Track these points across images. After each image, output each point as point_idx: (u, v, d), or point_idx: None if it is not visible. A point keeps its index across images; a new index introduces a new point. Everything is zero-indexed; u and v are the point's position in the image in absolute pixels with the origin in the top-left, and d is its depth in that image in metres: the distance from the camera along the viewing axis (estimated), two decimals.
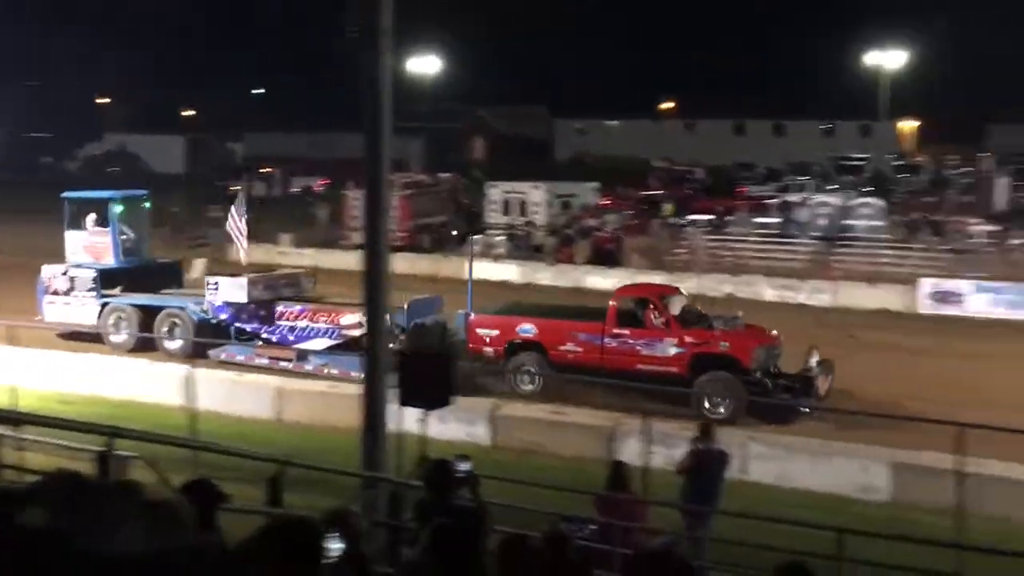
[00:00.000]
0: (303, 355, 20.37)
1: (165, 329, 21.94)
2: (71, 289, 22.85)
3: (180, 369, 16.46)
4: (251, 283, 21.74)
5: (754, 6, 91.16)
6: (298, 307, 21.47)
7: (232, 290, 21.63)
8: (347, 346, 19.71)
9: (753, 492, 12.98)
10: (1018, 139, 61.34)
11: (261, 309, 21.70)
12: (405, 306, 19.68)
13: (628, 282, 23.36)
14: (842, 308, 27.74)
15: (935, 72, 67.85)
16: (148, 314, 22.32)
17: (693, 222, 37.39)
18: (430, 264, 33.05)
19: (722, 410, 17.25)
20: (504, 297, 24.25)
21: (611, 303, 19.11)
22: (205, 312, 21.80)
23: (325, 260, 33.51)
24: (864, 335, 23.64)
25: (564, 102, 78.10)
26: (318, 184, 58.53)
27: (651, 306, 18.78)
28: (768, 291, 29.34)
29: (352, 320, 19.97)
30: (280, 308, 21.52)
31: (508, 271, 33.68)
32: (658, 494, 11.01)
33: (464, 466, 7.48)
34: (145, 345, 21.66)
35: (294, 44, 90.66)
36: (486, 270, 34.12)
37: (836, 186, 45.23)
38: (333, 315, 20.95)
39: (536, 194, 38.98)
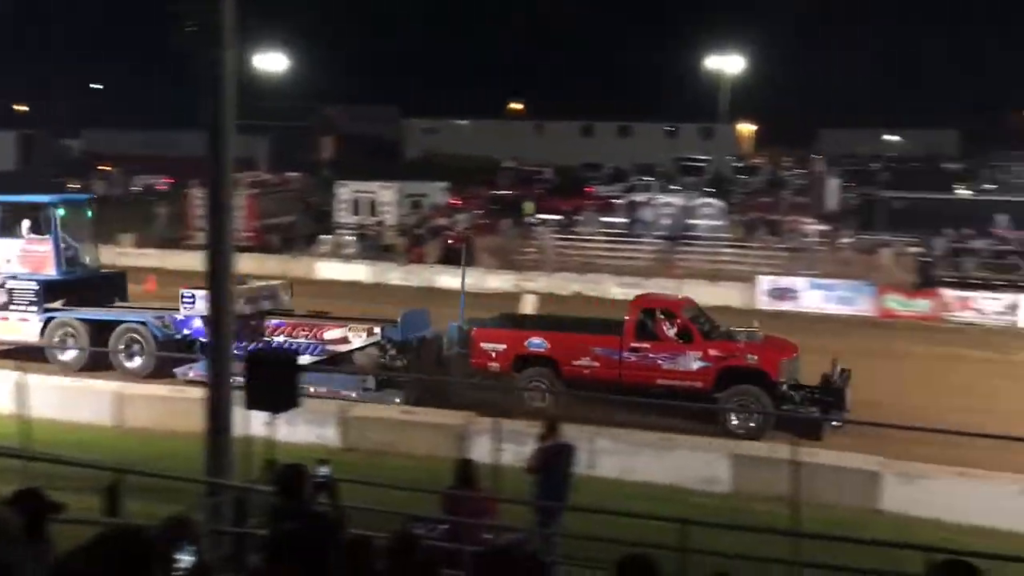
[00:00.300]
0: None
1: (122, 346, 20.28)
2: (8, 303, 21.00)
3: (10, 375, 15.69)
4: (236, 296, 20.52)
5: (601, 10, 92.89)
6: (275, 321, 19.88)
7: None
8: (332, 362, 18.83)
9: (600, 487, 13.19)
10: (847, 142, 64.27)
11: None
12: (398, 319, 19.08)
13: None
14: None
15: (771, 77, 70.37)
16: (101, 330, 20.58)
17: (542, 221, 37.83)
18: (278, 265, 32.51)
19: (752, 424, 16.81)
20: (355, 297, 24.04)
21: (628, 315, 18.10)
22: (167, 327, 20.20)
23: (168, 261, 32.60)
24: None
25: (413, 102, 77.92)
26: (161, 183, 56.82)
27: (672, 318, 18.00)
28: (615, 289, 29.92)
29: (337, 335, 19.18)
30: (254, 323, 19.74)
31: (358, 271, 33.45)
32: (509, 491, 11.10)
33: (323, 470, 7.39)
34: (97, 363, 20.24)
35: (133, 39, 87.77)
36: (336, 270, 33.85)
37: (679, 187, 46.41)
38: (315, 329, 19.59)
39: (386, 194, 38.77)
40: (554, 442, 10.98)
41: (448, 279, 31.06)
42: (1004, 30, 75.07)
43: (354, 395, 17.74)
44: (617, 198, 41.49)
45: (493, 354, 18.45)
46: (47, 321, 20.83)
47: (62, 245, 21.51)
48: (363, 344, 19.12)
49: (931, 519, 12.86)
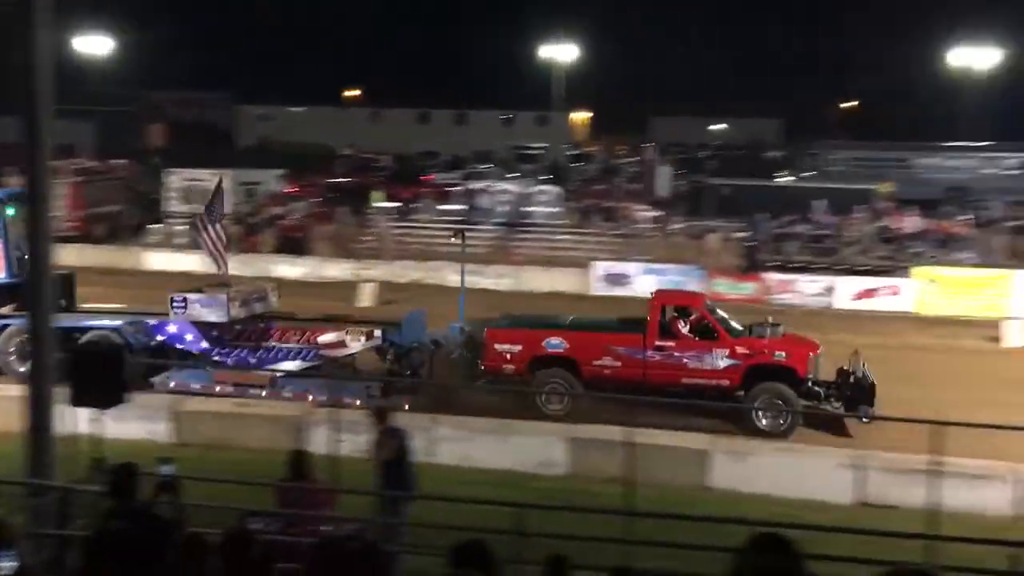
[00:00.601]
0: (277, 379, 17.47)
1: None
2: None
3: None
4: (231, 300, 18.59)
5: None
6: (263, 324, 18.90)
7: (207, 309, 18.40)
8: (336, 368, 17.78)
9: (440, 473, 13.25)
10: (677, 131, 66.16)
11: (213, 329, 18.61)
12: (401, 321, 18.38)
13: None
14: (525, 292, 28.89)
15: (604, 66, 71.69)
16: (64, 338, 19.06)
17: (380, 210, 37.56)
18: (103, 255, 31.30)
19: (782, 422, 16.54)
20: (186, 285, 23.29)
21: (649, 312, 17.58)
22: (141, 334, 18.52)
23: None
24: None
25: (246, 88, 76.14)
26: None
27: (695, 315, 17.61)
28: (455, 276, 29.96)
29: (333, 338, 18.16)
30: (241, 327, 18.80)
31: (189, 261, 32.44)
32: (349, 482, 11.02)
33: (166, 469, 7.18)
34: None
35: None
36: (166, 260, 32.80)
37: (516, 174, 46.85)
38: (308, 333, 18.60)
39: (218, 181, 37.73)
40: (390, 430, 10.96)
41: (285, 268, 30.57)
42: (824, 23, 78.54)
43: (358, 403, 16.32)
44: (455, 186, 41.57)
45: (508, 356, 17.65)
46: (1, 329, 18.85)
47: (13, 245, 19.51)
48: (362, 348, 18.19)
49: (758, 494, 13.42)
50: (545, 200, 37.10)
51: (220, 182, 21.71)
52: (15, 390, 12.09)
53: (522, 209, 36.50)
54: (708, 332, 17.37)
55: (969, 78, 57.57)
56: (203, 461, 13.21)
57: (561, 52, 67.64)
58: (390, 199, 39.63)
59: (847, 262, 30.68)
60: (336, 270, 31.25)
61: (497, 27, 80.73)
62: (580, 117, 75.26)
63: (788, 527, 6.68)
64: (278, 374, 17.49)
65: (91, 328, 18.45)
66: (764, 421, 16.64)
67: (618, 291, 29.30)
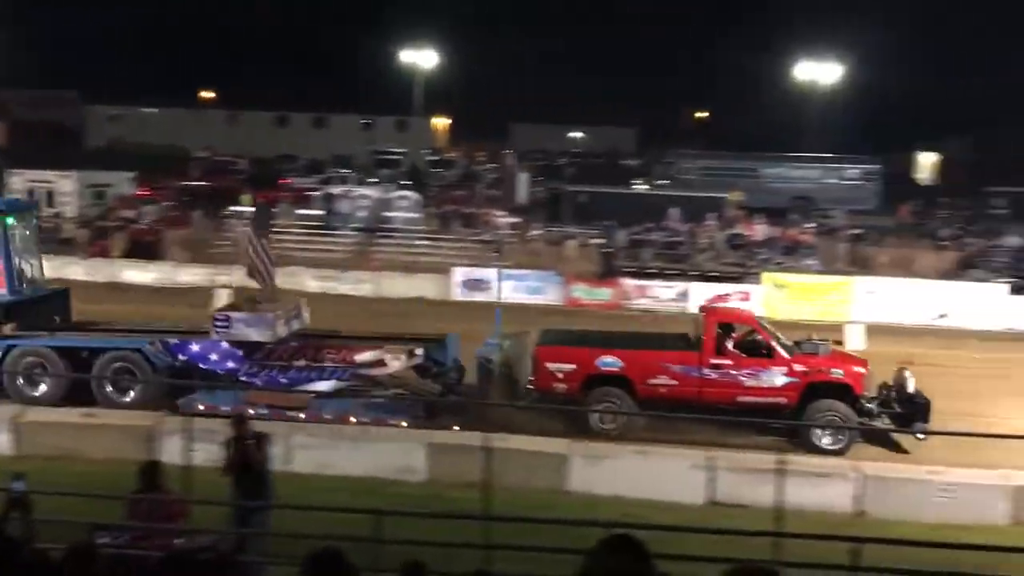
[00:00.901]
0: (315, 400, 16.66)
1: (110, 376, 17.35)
2: None
3: None
4: (277, 319, 17.78)
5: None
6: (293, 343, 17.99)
7: (253, 327, 17.50)
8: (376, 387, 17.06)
9: (298, 482, 13.08)
10: (536, 138, 66.90)
11: (239, 347, 17.59)
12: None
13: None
14: (384, 297, 28.76)
15: (464, 72, 71.90)
16: (78, 358, 17.56)
17: (237, 214, 36.83)
18: None
19: (842, 438, 16.48)
20: None
21: (704, 330, 17.37)
22: (163, 354, 17.55)
23: None
24: (413, 322, 24.62)
25: (97, 87, 73.49)
26: None
27: (749, 332, 17.51)
28: (312, 282, 29.67)
29: (369, 357, 17.28)
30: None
31: None
32: (201, 492, 10.76)
33: (18, 485, 6.87)
34: (74, 395, 17.15)
35: None
36: None
37: (376, 179, 46.58)
38: (344, 352, 17.66)
39: (65, 183, 36.50)
40: (244, 437, 10.78)
41: (134, 274, 29.70)
42: (678, 33, 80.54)
43: (404, 423, 16.13)
44: (313, 190, 41.08)
45: (560, 375, 17.20)
46: (7, 350, 17.62)
47: (15, 260, 18.78)
48: (403, 367, 17.41)
49: (615, 496, 13.67)
50: (405, 206, 37.02)
51: (255, 198, 20.82)
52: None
53: (382, 214, 36.34)
54: (760, 350, 17.27)
55: (814, 91, 59.94)
56: (46, 473, 12.66)
57: (421, 57, 67.56)
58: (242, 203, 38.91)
59: (700, 268, 31.55)
60: (190, 276, 30.50)
61: (357, 31, 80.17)
62: (440, 123, 75.32)
63: (641, 528, 6.83)
64: (310, 393, 16.73)
65: (110, 348, 17.52)
66: (826, 439, 16.57)
67: (478, 296, 29.45)
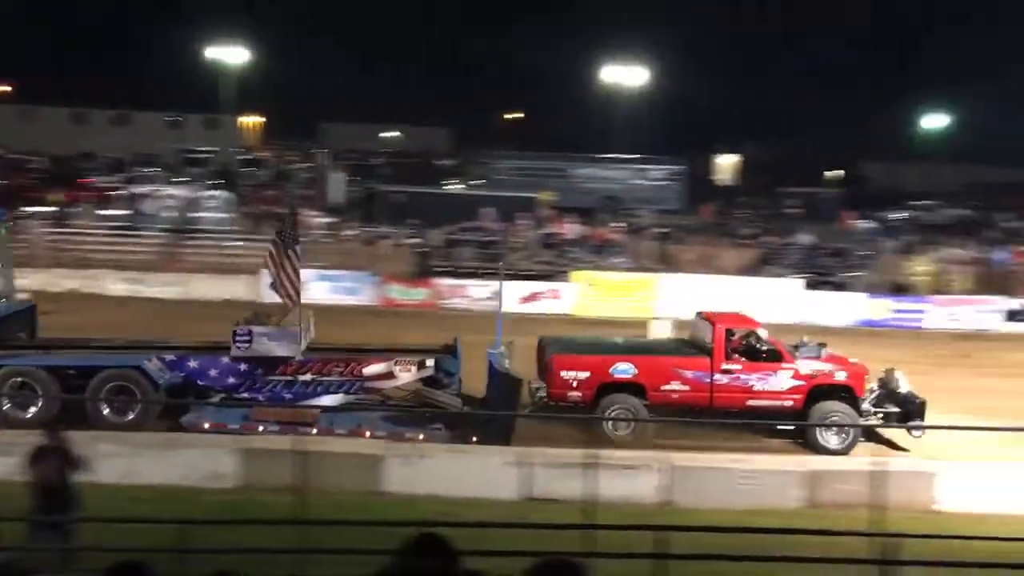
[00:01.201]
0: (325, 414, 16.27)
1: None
2: None
3: None
4: (303, 333, 17.20)
5: None
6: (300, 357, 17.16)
7: (276, 342, 16.84)
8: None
9: (103, 492, 12.55)
10: (350, 137, 66.33)
11: (241, 363, 16.85)
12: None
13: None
14: (194, 300, 27.94)
15: (276, 71, 70.60)
16: (67, 378, 16.56)
17: (33, 214, 35.01)
18: None
19: (847, 436, 17.11)
20: None
21: (717, 337, 17.58)
22: (163, 370, 16.73)
23: None
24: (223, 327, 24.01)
25: None
26: None
27: (756, 338, 17.93)
28: (116, 285, 28.58)
29: (379, 369, 16.86)
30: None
31: None
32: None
33: None
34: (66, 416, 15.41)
35: None
36: None
37: (184, 178, 45.15)
38: (352, 365, 16.99)
39: None
40: (49, 448, 10.34)
41: None
42: (491, 35, 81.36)
43: (421, 437, 15.91)
44: (116, 189, 39.45)
45: (574, 383, 17.29)
46: None
47: None
48: (413, 379, 17.25)
49: (430, 495, 13.71)
50: (214, 205, 36.00)
51: (294, 208, 20.64)
52: None
53: (190, 215, 35.21)
54: (761, 354, 17.76)
55: (621, 95, 61.68)
56: None
57: (230, 55, 65.88)
58: (43, 203, 37.07)
59: (513, 267, 31.98)
60: None
61: (163, 26, 77.46)
62: (251, 121, 73.68)
63: (454, 526, 6.90)
64: (321, 408, 16.53)
65: (108, 367, 16.67)
66: (833, 440, 17.25)
67: None
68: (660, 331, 25.11)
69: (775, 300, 29.56)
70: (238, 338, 16.94)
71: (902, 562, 8.43)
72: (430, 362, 17.37)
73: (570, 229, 35.08)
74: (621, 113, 60.73)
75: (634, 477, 14.35)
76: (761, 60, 71.56)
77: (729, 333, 17.90)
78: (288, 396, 16.88)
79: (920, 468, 14.97)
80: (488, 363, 17.21)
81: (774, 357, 17.70)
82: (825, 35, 70.98)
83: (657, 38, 62.25)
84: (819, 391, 17.55)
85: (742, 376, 17.51)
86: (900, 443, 17.58)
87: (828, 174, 66.46)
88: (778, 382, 17.50)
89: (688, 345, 18.71)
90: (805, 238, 35.92)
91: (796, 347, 18.16)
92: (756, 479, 14.60)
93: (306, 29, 76.41)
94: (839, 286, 31.37)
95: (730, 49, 71.99)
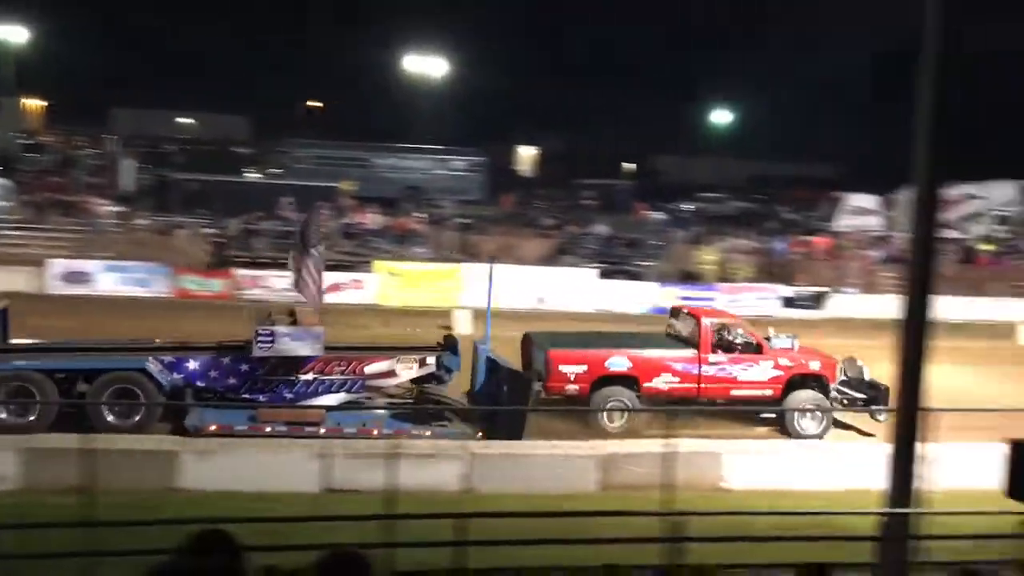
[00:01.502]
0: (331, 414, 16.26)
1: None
2: None
3: None
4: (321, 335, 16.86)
5: None
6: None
7: (300, 342, 16.64)
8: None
9: None
10: (141, 123, 63.78)
11: (241, 363, 16.65)
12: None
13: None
14: None
15: (60, 53, 67.16)
16: (66, 381, 16.12)
17: None
18: None
19: (824, 423, 18.24)
20: None
21: (703, 331, 18.52)
22: (166, 372, 16.40)
23: None
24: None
25: None
26: None
27: (736, 330, 18.83)
28: None
29: (382, 368, 16.99)
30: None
31: None
32: None
33: None
34: (64, 421, 15.49)
35: None
36: None
37: None
38: (354, 363, 16.97)
39: None
40: None
41: None
42: (289, 21, 79.88)
43: (427, 433, 16.17)
44: None
45: (572, 376, 18.01)
46: None
47: None
48: (415, 376, 17.45)
49: (227, 491, 13.42)
50: None
51: (318, 207, 20.71)
52: None
53: None
54: (738, 347, 18.65)
55: (423, 85, 61.73)
56: None
57: (10, 33, 62.19)
58: None
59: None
60: None
61: None
62: (34, 105, 69.78)
63: (248, 521, 6.81)
64: (328, 408, 16.58)
65: (111, 369, 16.27)
66: (809, 426, 18.29)
67: (79, 290, 27.80)
68: (462, 320, 25.42)
69: (571, 289, 30.39)
70: (260, 338, 16.75)
71: (690, 539, 8.84)
72: (431, 359, 17.70)
73: (372, 219, 34.90)
74: (423, 104, 60.76)
75: (435, 466, 14.47)
76: (559, 54, 73.06)
77: (715, 327, 18.90)
78: (289, 396, 16.94)
79: (708, 449, 15.65)
80: (486, 359, 17.81)
81: (754, 349, 18.71)
82: (621, 33, 73.14)
83: (457, 29, 62.60)
84: (797, 380, 18.68)
85: (727, 367, 18.58)
86: (863, 428, 18.77)
87: (623, 166, 68.51)
88: (760, 372, 18.57)
89: (672, 339, 19.54)
90: (601, 228, 36.96)
91: (767, 339, 19.14)
92: (554, 464, 14.96)
93: (98, 12, 72.90)
94: (632, 275, 32.44)
95: (529, 43, 73.13)
